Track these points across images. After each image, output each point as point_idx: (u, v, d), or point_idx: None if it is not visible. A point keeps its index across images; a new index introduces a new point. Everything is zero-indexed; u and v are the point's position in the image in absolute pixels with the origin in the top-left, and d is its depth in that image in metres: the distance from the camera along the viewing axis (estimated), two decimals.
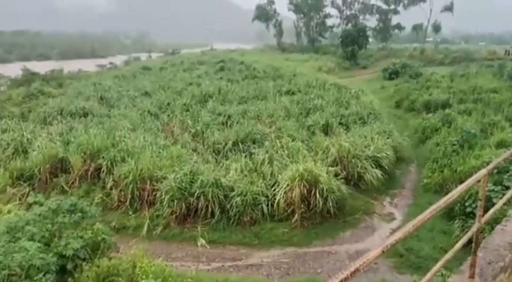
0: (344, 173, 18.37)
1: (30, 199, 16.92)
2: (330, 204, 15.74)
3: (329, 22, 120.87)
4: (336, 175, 17.37)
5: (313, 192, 15.83)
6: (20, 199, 17.39)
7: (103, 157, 19.33)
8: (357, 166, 18.95)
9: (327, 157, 19.35)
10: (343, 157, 19.22)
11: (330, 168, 17.60)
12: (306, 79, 41.31)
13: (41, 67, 60.06)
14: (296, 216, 15.65)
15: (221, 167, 18.69)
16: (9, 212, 14.18)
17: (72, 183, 18.74)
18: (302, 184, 15.85)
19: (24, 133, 22.82)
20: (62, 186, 18.61)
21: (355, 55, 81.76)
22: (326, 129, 24.72)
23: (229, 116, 26.78)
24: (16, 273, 9.18)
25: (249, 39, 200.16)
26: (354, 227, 15.95)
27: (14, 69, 54.86)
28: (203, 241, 14.40)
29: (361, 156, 19.43)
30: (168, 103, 32.04)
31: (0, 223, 11.54)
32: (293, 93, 35.40)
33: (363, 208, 17.17)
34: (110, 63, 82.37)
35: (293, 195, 15.75)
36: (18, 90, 43.26)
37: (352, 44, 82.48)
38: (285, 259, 13.87)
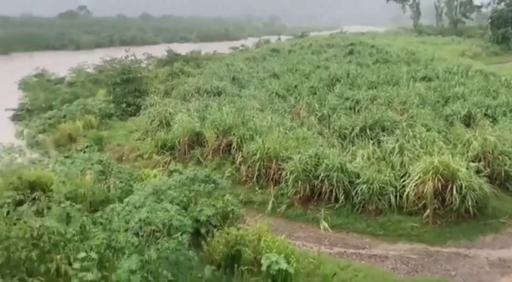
0: (488, 170, 16.42)
1: (171, 167, 18.85)
2: (469, 203, 14.25)
3: (476, 1, 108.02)
4: (477, 172, 15.62)
5: (449, 187, 14.51)
6: (163, 166, 19.49)
7: (233, 134, 20.43)
8: (505, 164, 16.76)
9: (467, 151, 17.49)
10: (488, 152, 17.17)
11: (471, 164, 15.87)
12: (446, 64, 37.67)
13: (182, 48, 65.57)
14: (427, 211, 14.57)
15: (347, 152, 18.27)
16: (155, 176, 15.96)
17: (206, 156, 20.27)
18: (436, 178, 14.64)
19: (168, 108, 25.31)
20: (198, 158, 20.28)
21: (508, 38, 71.84)
22: (468, 121, 22.30)
23: (357, 101, 25.90)
24: (159, 230, 10.27)
25: (382, 22, 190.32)
26: (497, 231, 14.24)
27: (160, 51, 60.87)
28: (326, 225, 14.37)
29: (510, 152, 17.13)
30: (296, 86, 32.29)
31: (149, 185, 13.05)
32: (429, 80, 32.63)
33: (510, 212, 15.19)
34: (242, 45, 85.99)
35: (425, 189, 14.65)
36: (163, 69, 48.08)
37: (505, 26, 72.56)
38: (413, 255, 13.06)
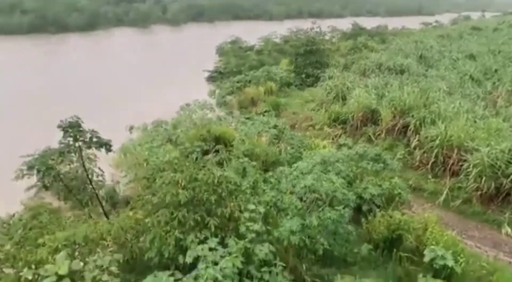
0: None
1: (341, 141, 18.81)
2: None
3: None
4: None
5: None
6: (333, 139, 19.62)
7: (412, 116, 19.11)
8: None
9: None
10: None
11: None
12: None
13: (368, 22, 63.36)
14: None
15: None
16: (324, 147, 16.23)
17: (379, 134, 19.55)
18: None
19: (346, 82, 25.08)
20: (369, 135, 19.74)
21: None
22: None
23: None
24: (322, 199, 10.47)
25: None
26: None
27: (345, 24, 60.11)
28: (509, 230, 12.48)
29: None
30: (496, 70, 28.06)
31: (318, 154, 13.35)
32: None
33: None
34: (436, 21, 78.56)
35: None
36: (346, 43, 47.54)
37: None
38: None
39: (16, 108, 30.78)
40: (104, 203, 16.88)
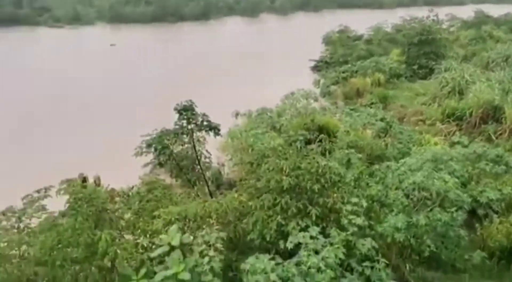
0: None
1: (455, 138, 17.37)
2: None
3: None
4: None
5: None
6: (445, 135, 18.21)
7: None
8: None
9: None
10: None
11: None
12: None
13: (496, 10, 56.99)
14: None
15: None
16: (435, 143, 15.17)
17: (501, 133, 17.64)
18: None
19: (465, 75, 23.00)
20: (488, 134, 17.91)
21: None
22: None
23: None
24: (431, 198, 9.82)
25: None
26: None
27: (467, 12, 54.86)
28: None
29: None
30: None
31: (428, 151, 12.52)
32: None
33: None
34: None
35: None
36: (466, 33, 43.44)
37: None
38: None
39: (145, 90, 33.95)
40: (209, 183, 17.97)
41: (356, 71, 32.47)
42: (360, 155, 11.82)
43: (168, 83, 35.64)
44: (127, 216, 11.21)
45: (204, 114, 15.82)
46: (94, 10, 78.74)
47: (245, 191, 10.33)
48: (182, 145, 17.66)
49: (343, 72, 33.75)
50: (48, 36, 64.85)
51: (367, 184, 10.01)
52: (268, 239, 8.70)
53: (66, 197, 10.74)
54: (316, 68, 41.31)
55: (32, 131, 25.80)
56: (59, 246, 9.01)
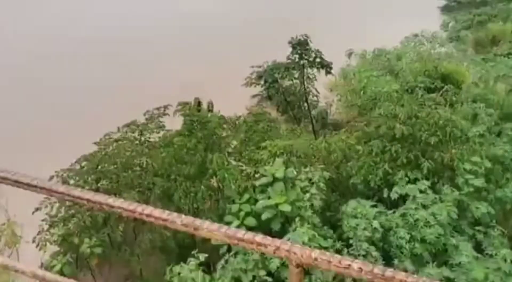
0: None
1: None
2: None
3: None
4: None
5: None
6: None
7: None
8: None
9: None
10: None
11: None
12: None
13: None
14: None
15: None
16: None
17: None
18: None
19: None
20: None
21: None
22: None
23: None
24: None
25: None
26: None
27: None
28: None
29: None
30: None
31: None
32: None
33: None
34: None
35: None
36: None
37: None
38: None
39: (255, 23, 33.80)
40: (314, 122, 17.82)
41: (496, 15, 28.27)
42: (490, 110, 10.56)
43: (279, 17, 34.92)
44: (235, 143, 11.76)
45: (317, 51, 15.33)
46: None
47: (353, 134, 10.05)
48: (291, 80, 17.55)
49: (479, 15, 29.62)
50: None
51: (493, 143, 9.01)
52: (371, 185, 8.49)
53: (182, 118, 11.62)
54: (446, 9, 36.87)
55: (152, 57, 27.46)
56: (175, 162, 9.86)
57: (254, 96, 20.86)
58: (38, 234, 9.65)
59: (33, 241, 9.54)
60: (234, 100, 19.79)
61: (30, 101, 21.09)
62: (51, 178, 9.84)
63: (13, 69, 24.02)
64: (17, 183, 1.42)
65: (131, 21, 32.83)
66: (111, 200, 1.36)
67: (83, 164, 10.44)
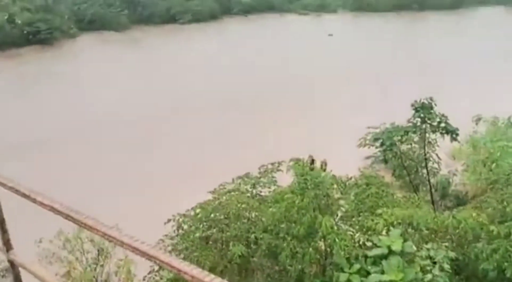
0: None
1: None
2: None
3: None
4: None
5: None
6: None
7: None
8: None
9: None
10: None
11: None
12: None
13: None
14: None
15: None
16: None
17: None
18: None
19: None
20: None
21: None
22: None
23: None
24: None
25: None
26: None
27: None
28: None
29: None
30: None
31: None
32: None
33: None
34: None
35: None
36: None
37: None
38: None
39: (371, 82, 33.55)
40: (433, 191, 16.39)
41: None
42: None
43: (400, 76, 34.06)
44: (346, 206, 11.28)
45: (442, 115, 14.35)
46: None
47: (484, 211, 8.92)
48: (409, 144, 16.62)
49: None
50: (288, 22, 70.85)
51: None
52: (508, 274, 7.32)
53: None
54: None
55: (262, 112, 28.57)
56: (284, 219, 9.73)
57: (367, 157, 20.21)
58: (148, 273, 10.16)
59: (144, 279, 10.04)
60: (345, 159, 19.39)
61: (155, 149, 23.18)
62: (168, 221, 10.45)
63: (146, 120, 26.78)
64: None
65: (245, 76, 35.07)
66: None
67: (198, 211, 10.89)
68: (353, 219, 10.30)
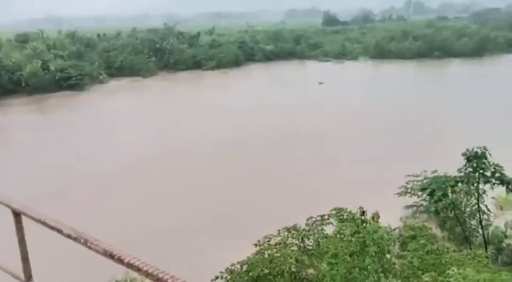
0: None
1: None
2: None
3: None
4: None
5: None
6: None
7: None
8: None
9: None
10: None
11: None
12: None
13: None
14: None
15: None
16: None
17: None
18: None
19: None
20: None
21: None
22: None
23: None
24: None
25: None
26: None
27: None
28: None
29: None
30: None
31: None
32: None
33: None
34: None
35: None
36: None
37: None
38: None
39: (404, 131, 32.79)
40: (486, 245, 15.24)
41: None
42: None
43: (430, 124, 33.29)
44: (407, 264, 10.38)
45: (497, 165, 13.55)
46: (360, 46, 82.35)
47: None
48: (456, 193, 15.73)
49: None
50: (310, 68, 71.85)
51: None
52: None
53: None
54: None
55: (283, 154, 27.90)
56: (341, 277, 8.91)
57: (408, 207, 19.20)
58: None
59: None
60: (383, 209, 18.40)
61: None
62: (216, 278, 9.75)
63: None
64: None
65: (268, 120, 34.74)
66: None
67: (244, 267, 10.16)
68: (418, 279, 9.41)
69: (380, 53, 76.56)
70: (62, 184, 22.71)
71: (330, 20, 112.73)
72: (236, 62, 70.01)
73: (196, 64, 65.98)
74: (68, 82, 47.08)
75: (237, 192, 21.66)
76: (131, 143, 29.69)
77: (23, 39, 57.03)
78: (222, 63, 67.05)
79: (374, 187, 21.70)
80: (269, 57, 77.11)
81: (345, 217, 12.39)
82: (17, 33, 63.00)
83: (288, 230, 11.49)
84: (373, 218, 13.77)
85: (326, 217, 11.46)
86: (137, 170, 24.75)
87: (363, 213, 13.33)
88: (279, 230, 11.56)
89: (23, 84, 44.64)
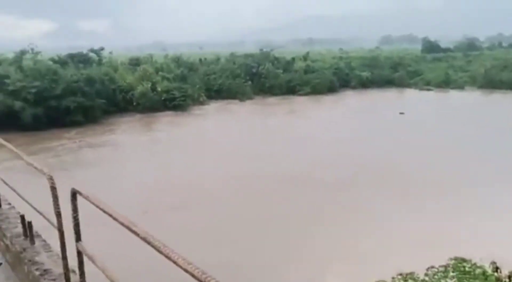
0: None
1: None
2: None
3: None
4: None
5: None
6: None
7: None
8: None
9: None
10: None
11: None
12: None
13: None
14: None
15: None
16: None
17: None
18: None
19: None
20: None
21: None
22: None
23: None
24: None
25: None
26: None
27: None
28: None
29: None
30: None
31: None
32: None
33: None
34: None
35: None
36: None
37: None
38: None
39: None
40: None
41: None
42: None
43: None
44: None
45: None
46: (466, 75, 76.79)
47: None
48: None
49: None
50: (406, 97, 68.36)
51: None
52: None
53: None
54: None
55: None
56: None
57: None
58: None
59: None
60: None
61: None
62: None
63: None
64: None
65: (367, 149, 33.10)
66: None
67: None
68: None
69: (490, 82, 70.63)
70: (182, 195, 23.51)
71: (431, 47, 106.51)
72: (331, 89, 69.32)
73: (290, 89, 66.65)
74: (173, 103, 50.30)
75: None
76: (234, 163, 30.21)
77: (135, 62, 62.31)
78: (317, 89, 66.84)
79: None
80: (365, 84, 75.20)
81: (467, 269, 11.09)
82: (130, 57, 69.14)
83: (404, 278, 10.48)
84: (509, 277, 12.02)
85: (450, 268, 10.25)
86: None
87: (496, 269, 11.71)
88: (393, 277, 10.59)
89: (134, 104, 48.63)
